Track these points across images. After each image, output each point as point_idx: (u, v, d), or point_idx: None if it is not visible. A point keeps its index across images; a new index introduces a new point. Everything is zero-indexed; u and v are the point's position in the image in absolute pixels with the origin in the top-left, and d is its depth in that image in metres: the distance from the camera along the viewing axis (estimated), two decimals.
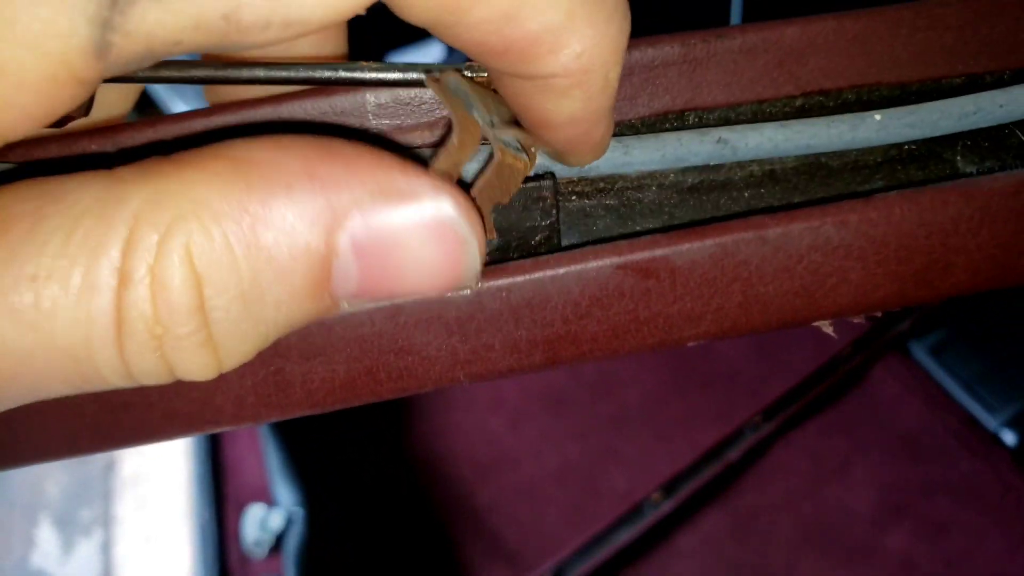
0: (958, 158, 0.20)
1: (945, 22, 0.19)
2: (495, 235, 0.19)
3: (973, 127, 0.19)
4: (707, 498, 1.07)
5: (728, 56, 0.19)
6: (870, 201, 0.18)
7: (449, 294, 0.18)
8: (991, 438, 1.03)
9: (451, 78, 0.17)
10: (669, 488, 1.04)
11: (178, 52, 0.14)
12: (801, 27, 0.19)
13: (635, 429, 1.16)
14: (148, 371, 0.15)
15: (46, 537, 1.66)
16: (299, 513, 0.98)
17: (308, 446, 1.11)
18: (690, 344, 0.19)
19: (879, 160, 0.20)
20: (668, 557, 1.04)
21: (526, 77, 0.16)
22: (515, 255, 0.19)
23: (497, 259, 0.19)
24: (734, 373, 1.19)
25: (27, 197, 0.14)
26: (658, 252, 0.18)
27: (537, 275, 0.18)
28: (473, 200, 0.17)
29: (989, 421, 1.03)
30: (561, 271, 0.18)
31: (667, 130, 0.19)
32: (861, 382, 1.12)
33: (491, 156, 0.17)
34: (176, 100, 1.11)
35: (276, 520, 0.97)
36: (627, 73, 0.19)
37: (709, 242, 0.18)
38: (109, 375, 0.15)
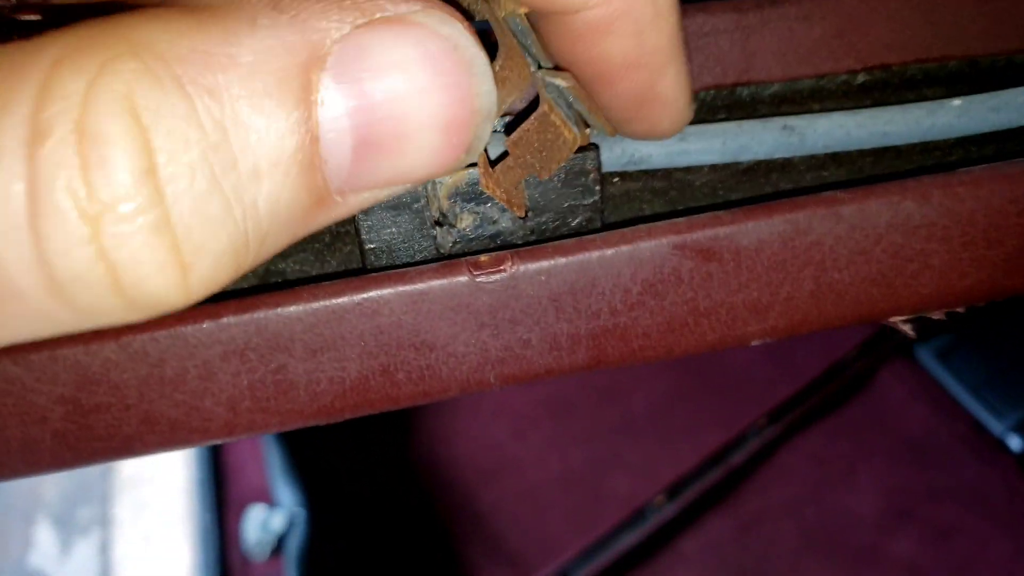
0: None
1: None
2: (525, 211, 0.16)
3: None
4: (711, 502, 1.06)
5: (784, 24, 0.17)
6: (955, 175, 0.16)
7: (465, 155, 0.14)
8: (997, 443, 1.03)
9: (511, 9, 0.14)
10: (673, 492, 1.04)
11: None
12: None
13: (639, 433, 1.15)
14: (81, 278, 0.10)
15: (44, 537, 1.66)
16: (300, 515, 0.97)
17: (310, 447, 1.11)
18: (754, 343, 0.17)
19: (951, 142, 0.18)
20: (671, 561, 1.04)
21: (565, 11, 0.14)
22: (554, 232, 0.17)
23: (532, 242, 0.17)
24: (739, 377, 1.18)
25: None
26: (721, 231, 0.16)
27: (582, 256, 0.16)
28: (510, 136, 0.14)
29: (995, 426, 1.03)
30: (610, 252, 0.16)
31: (722, 114, 0.18)
32: (867, 387, 1.12)
33: (536, 107, 0.15)
34: None
35: (277, 521, 0.97)
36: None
37: (779, 219, 0.16)
38: (26, 289, 0.10)
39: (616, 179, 0.18)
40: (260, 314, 0.15)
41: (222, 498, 1.02)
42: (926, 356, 1.08)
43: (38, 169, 0.10)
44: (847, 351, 1.11)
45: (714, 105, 0.18)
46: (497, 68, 0.15)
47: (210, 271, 0.11)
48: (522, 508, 1.12)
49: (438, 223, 0.16)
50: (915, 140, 0.17)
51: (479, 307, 0.16)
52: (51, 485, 1.74)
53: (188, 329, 0.15)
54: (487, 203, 0.16)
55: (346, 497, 1.11)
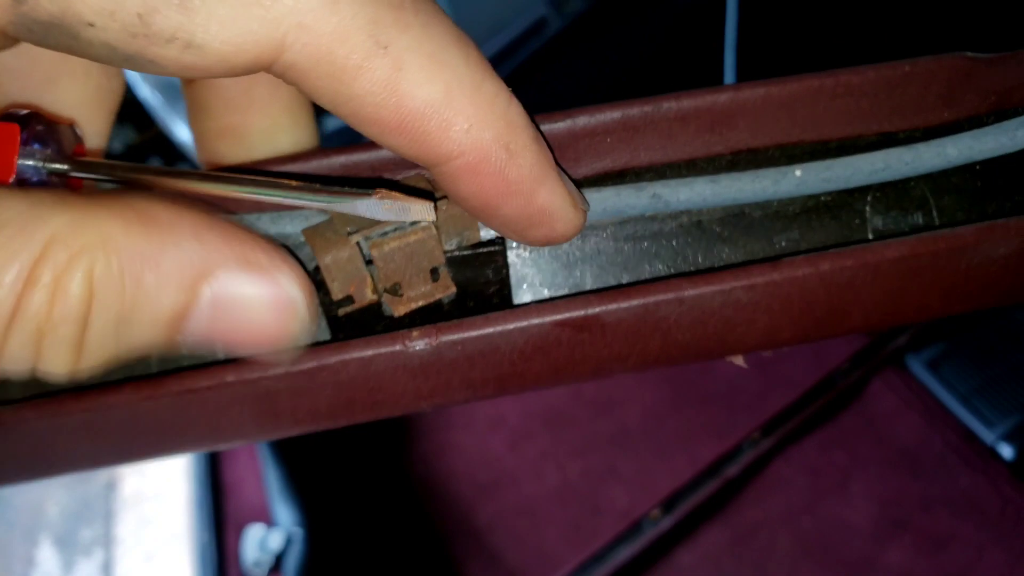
0: (867, 208, 0.22)
1: (861, 89, 0.22)
2: (454, 288, 0.22)
3: (881, 180, 0.21)
4: (706, 514, 1.07)
5: (663, 122, 0.22)
6: (776, 266, 0.21)
7: (271, 354, 0.21)
8: (989, 452, 1.04)
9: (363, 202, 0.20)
10: (668, 505, 1.04)
11: (86, 39, 0.16)
12: (732, 94, 0.21)
13: (634, 447, 1.16)
14: (16, 358, 0.17)
15: (46, 557, 1.66)
16: (298, 533, 0.98)
17: (308, 466, 1.11)
18: (617, 375, 0.23)
19: (797, 211, 0.22)
20: (669, 573, 1.04)
21: (435, 163, 0.18)
22: (471, 303, 0.22)
23: (457, 304, 0.22)
24: (732, 389, 1.19)
25: None
26: (590, 311, 0.21)
27: (488, 330, 0.21)
28: (311, 280, 0.20)
29: (987, 435, 1.03)
30: (509, 327, 0.21)
31: (608, 185, 0.22)
32: (859, 397, 1.13)
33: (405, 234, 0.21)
34: (176, 120, 1.12)
35: (275, 540, 0.97)
36: (572, 138, 0.22)
37: (635, 302, 0.21)
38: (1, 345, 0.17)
39: (523, 248, 0.23)
40: (255, 373, 0.21)
41: (221, 518, 1.03)
42: (917, 366, 1.09)
43: (24, 298, 0.16)
44: (839, 363, 1.11)
45: (603, 180, 0.22)
46: (444, 207, 0.21)
47: (88, 367, 0.18)
48: (520, 522, 1.13)
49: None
50: (763, 200, 0.21)
51: (413, 366, 0.21)
52: (53, 506, 1.75)
53: (204, 384, 0.21)
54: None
55: (344, 515, 1.12)
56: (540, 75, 1.09)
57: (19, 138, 0.19)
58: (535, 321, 0.21)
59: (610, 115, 0.22)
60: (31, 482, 0.24)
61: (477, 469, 1.19)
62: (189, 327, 0.18)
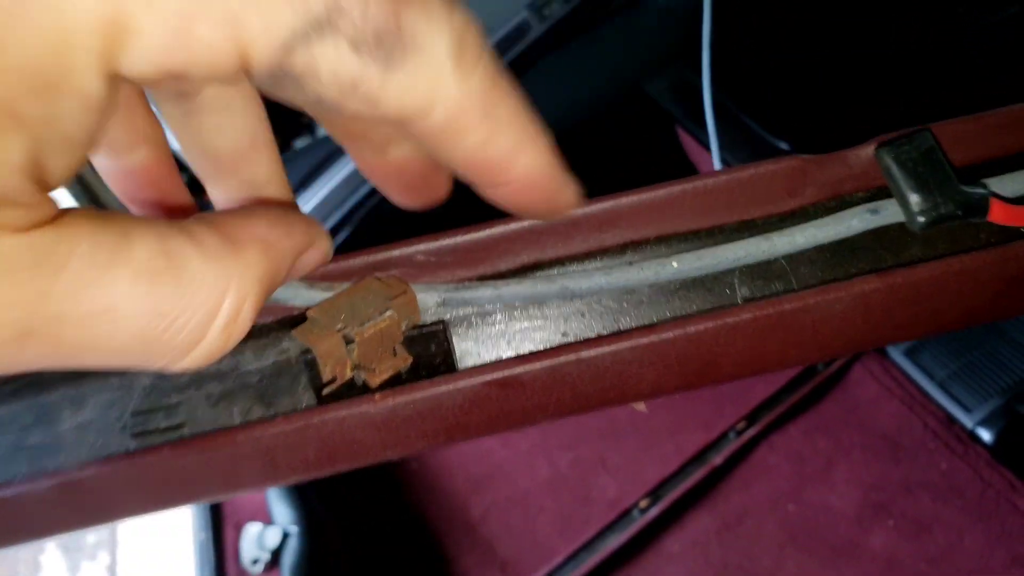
0: (736, 280, 0.27)
1: (717, 189, 0.27)
2: (410, 359, 0.27)
3: (744, 263, 0.26)
4: (693, 502, 1.09)
5: (560, 228, 0.27)
6: (652, 329, 0.26)
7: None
8: (969, 436, 1.06)
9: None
10: (656, 494, 1.06)
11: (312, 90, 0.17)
12: (613, 201, 0.27)
13: (623, 438, 1.18)
14: (167, 367, 0.18)
15: (52, 561, 1.68)
16: (295, 530, 1.01)
17: None
18: (542, 423, 0.28)
19: (678, 287, 0.27)
20: (657, 561, 1.06)
21: (412, 120, 0.18)
22: (424, 371, 0.27)
23: (411, 374, 0.27)
24: None
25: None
26: (510, 372, 0.26)
27: (432, 391, 0.26)
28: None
29: (967, 420, 1.05)
30: (449, 387, 0.26)
31: (528, 277, 0.27)
32: (841, 385, 1.15)
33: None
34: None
35: (273, 537, 1.00)
36: (493, 243, 0.27)
37: (544, 363, 0.26)
38: (162, 367, 0.18)
39: (466, 324, 0.28)
40: (257, 433, 0.26)
41: (220, 516, 1.05)
42: (897, 354, 1.11)
43: (210, 323, 0.18)
44: None
45: (520, 271, 0.28)
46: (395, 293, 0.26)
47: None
48: (512, 514, 1.15)
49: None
50: (646, 285, 0.26)
51: (377, 421, 0.26)
52: None
53: (221, 442, 0.26)
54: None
55: (340, 512, 1.14)
56: (522, 79, 1.11)
57: None
58: (468, 382, 0.26)
59: (519, 226, 0.27)
60: (80, 530, 0.29)
61: (470, 463, 1.21)
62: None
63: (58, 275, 0.16)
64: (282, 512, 1.03)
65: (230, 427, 0.26)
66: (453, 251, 0.27)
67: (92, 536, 1.69)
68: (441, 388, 0.26)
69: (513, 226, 0.27)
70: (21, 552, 1.70)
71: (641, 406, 0.28)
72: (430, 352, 0.27)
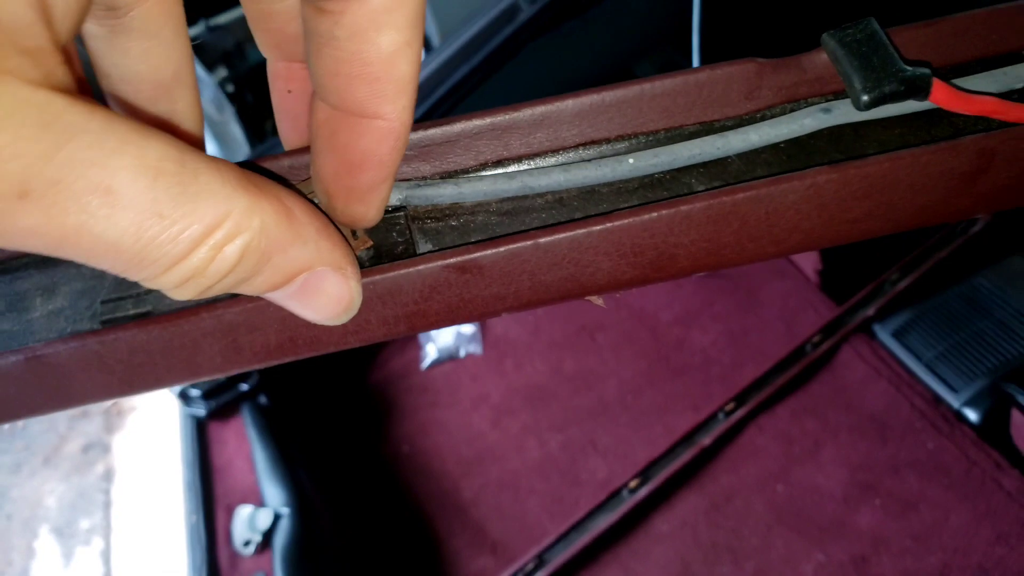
0: (693, 180, 0.27)
1: (675, 90, 0.27)
2: (371, 243, 0.27)
3: (700, 161, 0.27)
4: (683, 483, 1.10)
5: (524, 125, 0.27)
6: (608, 216, 0.26)
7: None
8: (955, 416, 1.07)
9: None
10: (646, 474, 1.07)
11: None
12: (574, 99, 0.27)
13: (612, 419, 1.19)
14: (157, 285, 0.19)
15: (46, 547, 1.69)
16: (287, 512, 1.01)
17: (294, 446, 1.14)
18: (504, 314, 0.28)
19: (636, 186, 0.27)
20: (646, 540, 1.07)
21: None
22: (385, 259, 0.27)
23: (373, 260, 0.27)
24: (707, 361, 1.22)
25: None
26: (468, 256, 0.26)
27: (392, 274, 0.26)
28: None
29: (953, 400, 1.06)
30: (407, 271, 0.26)
31: (488, 174, 0.27)
32: (829, 366, 1.16)
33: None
34: None
35: (264, 519, 1.00)
36: (456, 137, 0.27)
37: (502, 248, 0.26)
38: (144, 276, 0.19)
39: (429, 221, 0.27)
40: (220, 311, 0.26)
41: (211, 499, 1.06)
42: (884, 335, 1.12)
43: (195, 249, 0.19)
44: (809, 333, 1.14)
45: (483, 167, 0.28)
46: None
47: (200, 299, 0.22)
48: (503, 496, 1.16)
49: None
50: (606, 183, 0.27)
51: None
52: (51, 496, 1.77)
53: (184, 319, 0.26)
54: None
55: (331, 494, 1.15)
56: (511, 61, 1.11)
57: None
58: (427, 266, 0.26)
59: (481, 121, 0.27)
60: (47, 413, 0.28)
61: (461, 446, 1.22)
62: (276, 292, 0.22)
63: (63, 143, 0.16)
64: (273, 494, 1.03)
65: (194, 305, 0.26)
66: (415, 145, 0.27)
67: (86, 522, 1.69)
68: (400, 271, 0.26)
69: (476, 122, 0.27)
70: (15, 539, 1.71)
71: (599, 300, 0.28)
72: (392, 240, 0.27)
